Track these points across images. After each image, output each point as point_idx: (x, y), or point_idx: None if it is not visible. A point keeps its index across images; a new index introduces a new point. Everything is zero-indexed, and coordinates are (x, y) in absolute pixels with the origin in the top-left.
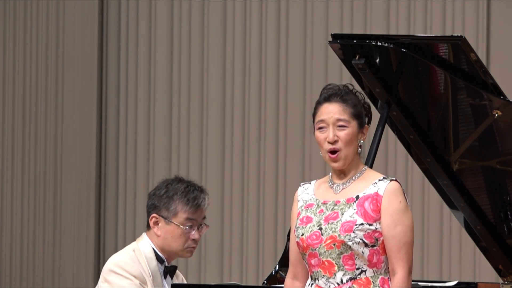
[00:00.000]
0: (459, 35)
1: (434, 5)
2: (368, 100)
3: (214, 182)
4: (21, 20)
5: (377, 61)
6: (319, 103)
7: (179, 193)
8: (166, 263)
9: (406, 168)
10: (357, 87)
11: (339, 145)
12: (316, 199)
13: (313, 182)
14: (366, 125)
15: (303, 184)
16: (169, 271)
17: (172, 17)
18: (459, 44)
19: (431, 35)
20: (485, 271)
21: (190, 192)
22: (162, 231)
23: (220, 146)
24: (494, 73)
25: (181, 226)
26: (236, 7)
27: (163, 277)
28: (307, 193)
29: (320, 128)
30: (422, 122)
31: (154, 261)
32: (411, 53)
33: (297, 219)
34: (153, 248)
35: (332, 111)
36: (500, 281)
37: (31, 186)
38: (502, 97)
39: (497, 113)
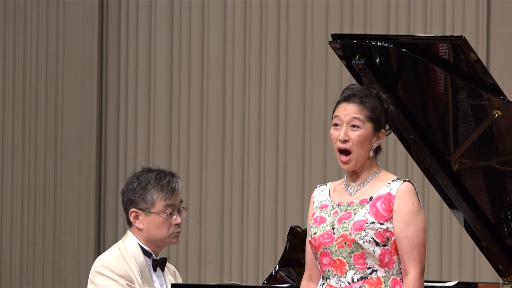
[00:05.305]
0: (459, 35)
1: (434, 5)
2: (392, 107)
3: (214, 182)
4: (21, 20)
5: (377, 61)
6: (339, 102)
7: (151, 182)
8: (154, 256)
9: (406, 168)
10: None
11: (349, 145)
12: (331, 201)
13: (329, 184)
14: (383, 130)
15: (319, 186)
16: (159, 264)
17: (172, 17)
18: (459, 44)
19: (431, 35)
20: (485, 271)
21: (163, 178)
22: (144, 224)
23: (220, 146)
24: (494, 73)
25: (161, 214)
26: (236, 7)
27: (152, 270)
28: (322, 194)
29: (335, 125)
30: (422, 122)
31: (141, 257)
32: (411, 53)
33: (311, 218)
34: (138, 244)
35: (348, 110)
36: (500, 281)
37: (31, 186)
38: (502, 97)
39: (497, 113)
